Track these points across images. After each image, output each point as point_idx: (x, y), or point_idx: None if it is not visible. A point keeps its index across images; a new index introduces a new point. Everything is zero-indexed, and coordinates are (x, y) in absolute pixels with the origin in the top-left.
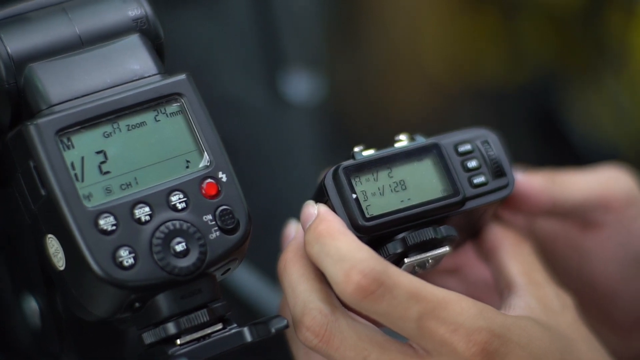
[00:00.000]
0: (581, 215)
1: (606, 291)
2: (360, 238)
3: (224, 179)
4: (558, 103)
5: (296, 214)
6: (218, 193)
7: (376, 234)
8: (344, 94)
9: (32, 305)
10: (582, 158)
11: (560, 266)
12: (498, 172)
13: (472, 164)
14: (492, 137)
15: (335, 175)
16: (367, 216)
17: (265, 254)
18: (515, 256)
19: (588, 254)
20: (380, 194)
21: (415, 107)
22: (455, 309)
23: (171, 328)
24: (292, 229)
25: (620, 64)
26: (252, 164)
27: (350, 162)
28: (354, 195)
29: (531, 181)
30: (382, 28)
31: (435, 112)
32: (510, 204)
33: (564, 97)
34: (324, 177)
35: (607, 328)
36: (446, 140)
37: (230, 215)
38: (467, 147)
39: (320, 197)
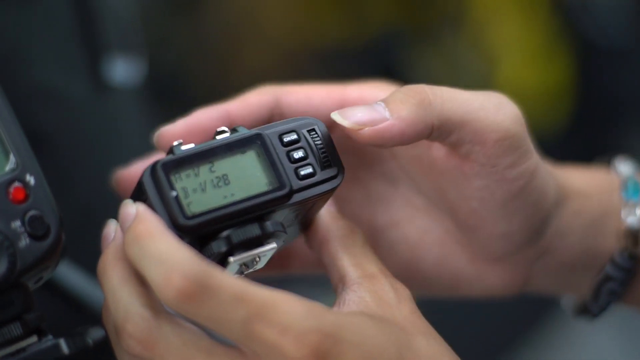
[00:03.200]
0: (457, 141)
1: (467, 222)
2: (182, 238)
3: (32, 182)
4: (400, 62)
5: None
6: (26, 197)
7: (199, 232)
8: (185, 70)
9: None
10: None
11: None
12: (326, 162)
13: (299, 154)
14: (320, 125)
15: (153, 172)
16: (189, 214)
17: (91, 251)
18: (347, 248)
19: (454, 182)
20: (202, 190)
21: (261, 73)
22: (282, 309)
23: None
24: (112, 229)
25: (458, 23)
26: (76, 155)
27: (169, 157)
28: (174, 193)
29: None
30: None
31: (281, 77)
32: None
33: (406, 55)
34: (142, 174)
35: (466, 256)
36: (270, 130)
37: (41, 221)
38: (293, 136)
39: (139, 195)
